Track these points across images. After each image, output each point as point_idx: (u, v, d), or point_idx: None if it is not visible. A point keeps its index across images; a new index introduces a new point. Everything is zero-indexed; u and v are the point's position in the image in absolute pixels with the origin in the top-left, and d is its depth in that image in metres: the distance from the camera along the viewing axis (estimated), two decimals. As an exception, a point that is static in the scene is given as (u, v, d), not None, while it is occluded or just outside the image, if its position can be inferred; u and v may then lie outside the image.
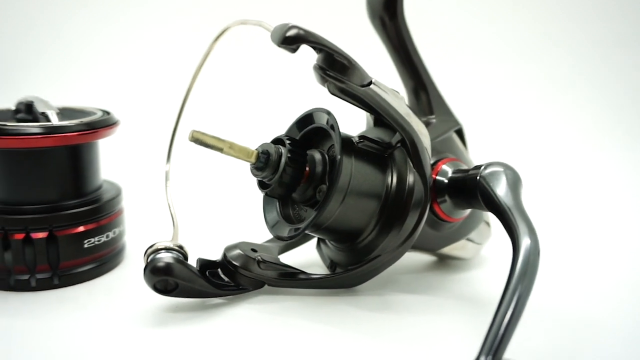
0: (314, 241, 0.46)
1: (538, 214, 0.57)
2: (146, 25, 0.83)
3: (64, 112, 0.46)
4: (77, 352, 0.35)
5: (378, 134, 0.42)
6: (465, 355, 0.31)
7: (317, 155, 0.39)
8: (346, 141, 0.39)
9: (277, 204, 0.42)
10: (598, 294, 0.43)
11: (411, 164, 0.39)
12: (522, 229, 0.34)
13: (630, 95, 0.80)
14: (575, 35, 0.82)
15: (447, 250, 0.44)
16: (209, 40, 0.42)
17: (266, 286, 0.41)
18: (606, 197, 0.66)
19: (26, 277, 0.41)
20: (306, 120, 0.41)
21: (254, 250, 0.41)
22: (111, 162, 0.51)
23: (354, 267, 0.40)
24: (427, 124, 0.46)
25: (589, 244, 0.52)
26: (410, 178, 0.39)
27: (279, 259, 0.42)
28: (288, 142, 0.38)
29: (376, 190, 0.39)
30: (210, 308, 0.39)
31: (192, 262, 0.40)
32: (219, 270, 0.41)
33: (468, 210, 0.42)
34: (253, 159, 0.38)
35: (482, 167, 0.39)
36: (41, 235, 0.41)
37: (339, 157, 0.37)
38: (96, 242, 0.43)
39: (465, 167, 0.42)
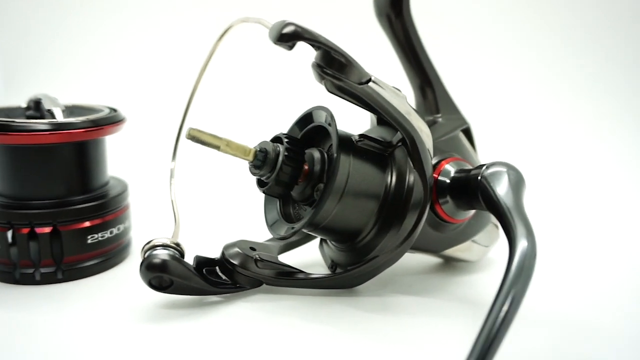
0: (317, 241, 0.46)
1: (547, 213, 0.58)
2: (154, 24, 0.85)
3: (73, 110, 0.47)
4: (71, 346, 0.35)
5: (381, 133, 0.41)
6: (461, 358, 0.30)
7: (316, 154, 0.39)
8: (345, 139, 0.38)
9: (279, 202, 0.42)
10: (599, 298, 0.42)
11: (411, 164, 0.38)
12: (519, 230, 0.33)
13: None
14: (586, 31, 0.80)
15: (451, 252, 0.43)
16: (215, 37, 0.43)
17: (265, 285, 0.41)
18: (613, 197, 0.65)
19: (31, 271, 0.42)
20: (306, 118, 0.41)
21: (253, 249, 0.41)
22: (120, 159, 0.52)
23: (353, 267, 0.39)
24: (433, 123, 0.45)
25: (593, 245, 0.51)
26: (410, 178, 0.38)
27: (277, 258, 0.42)
28: (286, 140, 0.38)
29: (375, 190, 0.38)
30: (207, 306, 0.39)
31: (192, 259, 0.40)
32: (217, 268, 0.41)
33: (472, 212, 0.41)
34: (251, 157, 0.38)
35: (484, 167, 0.38)
36: (45, 230, 0.41)
37: (335, 155, 0.36)
38: (100, 238, 0.44)
39: (469, 167, 0.41)
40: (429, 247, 0.42)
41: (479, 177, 0.38)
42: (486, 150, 0.49)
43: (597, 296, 0.42)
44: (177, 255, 0.38)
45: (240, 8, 0.76)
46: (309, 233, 0.42)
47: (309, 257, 0.46)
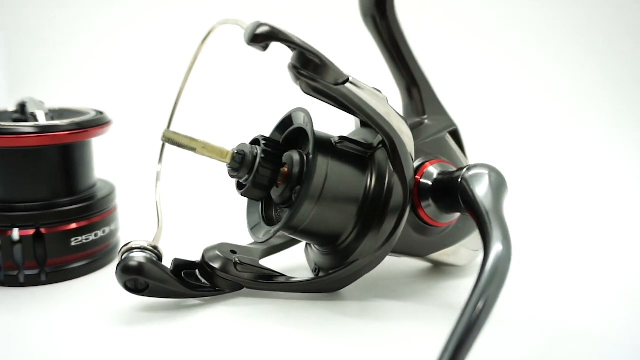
0: (303, 244, 0.45)
1: (537, 214, 0.58)
2: (141, 27, 0.86)
3: (61, 113, 0.47)
4: (49, 348, 0.35)
5: (363, 135, 0.41)
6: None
7: (296, 156, 0.38)
8: (323, 141, 0.38)
9: (261, 206, 0.41)
10: (582, 302, 0.41)
11: (391, 166, 0.38)
12: (495, 234, 0.32)
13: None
14: (582, 28, 0.79)
15: (437, 256, 0.43)
16: (200, 38, 0.42)
17: (246, 289, 0.40)
18: (607, 197, 0.64)
19: (15, 273, 0.42)
20: (286, 121, 0.40)
21: (234, 252, 0.41)
22: (111, 161, 0.52)
23: (333, 271, 0.39)
24: (419, 124, 0.44)
25: (582, 247, 0.51)
26: (391, 180, 0.37)
27: (258, 261, 0.42)
28: (263, 142, 0.38)
29: (354, 192, 0.38)
30: (185, 309, 0.39)
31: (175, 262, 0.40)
32: (197, 271, 0.40)
33: (457, 215, 0.41)
34: (228, 159, 0.37)
35: (466, 169, 0.37)
36: (28, 232, 0.42)
37: (311, 156, 0.36)
38: (84, 240, 0.44)
39: (454, 169, 0.41)
40: (413, 251, 0.41)
41: (460, 179, 0.37)
42: (480, 152, 0.48)
43: (580, 300, 0.41)
44: (154, 258, 0.37)
45: (227, 9, 0.77)
46: (292, 237, 0.41)
47: (295, 260, 0.46)
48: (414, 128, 0.44)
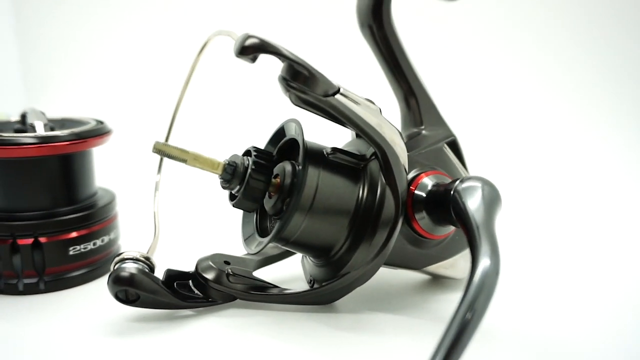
0: (299, 256, 0.45)
1: (538, 218, 0.57)
2: (139, 38, 0.89)
3: (62, 123, 0.48)
4: (38, 356, 0.35)
5: (358, 147, 0.41)
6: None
7: (288, 167, 0.38)
8: (314, 152, 0.38)
9: (255, 217, 0.41)
10: (576, 318, 0.40)
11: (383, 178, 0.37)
12: (484, 249, 0.31)
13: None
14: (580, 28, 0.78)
15: (434, 268, 0.42)
16: (196, 49, 0.43)
17: (240, 300, 0.40)
18: (608, 200, 0.64)
19: (14, 281, 0.43)
20: (280, 132, 0.40)
21: (227, 263, 0.41)
22: (113, 169, 0.53)
23: (327, 283, 0.39)
24: (417, 135, 0.44)
25: (581, 254, 0.50)
26: (382, 192, 0.37)
27: (251, 272, 0.42)
28: (254, 153, 0.38)
29: (346, 204, 0.37)
30: (178, 319, 0.39)
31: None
32: (190, 282, 0.40)
33: (452, 227, 0.40)
34: (219, 171, 0.38)
35: (459, 181, 0.37)
36: (27, 241, 0.42)
37: (299, 167, 0.36)
38: (82, 250, 0.44)
39: (450, 181, 0.40)
40: (409, 263, 0.41)
41: (452, 191, 0.36)
42: (479, 157, 0.48)
43: (573, 315, 0.40)
44: (145, 269, 0.38)
45: (224, 18, 0.78)
46: (286, 248, 0.41)
47: (290, 272, 0.45)
48: (410, 139, 0.43)
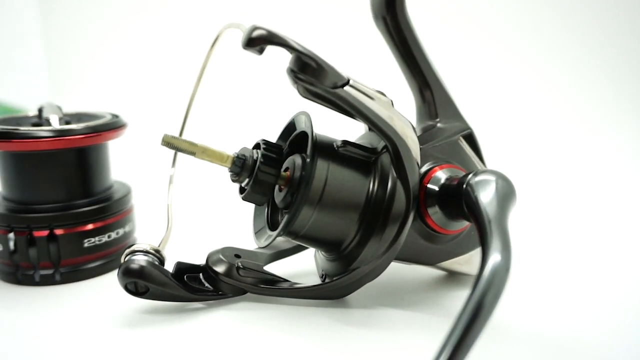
0: (313, 250, 0.44)
1: (547, 217, 0.56)
2: (154, 33, 0.91)
3: (79, 117, 0.48)
4: (51, 347, 0.36)
5: (370, 139, 0.40)
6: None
7: (298, 160, 0.38)
8: (323, 145, 0.37)
9: (267, 210, 0.41)
10: (585, 316, 0.39)
11: (394, 171, 0.36)
12: (495, 244, 0.31)
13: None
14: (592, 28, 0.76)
15: (449, 264, 0.41)
16: (208, 42, 0.43)
17: (250, 294, 0.40)
18: (616, 202, 0.62)
19: (31, 272, 0.43)
20: (290, 125, 0.40)
21: (238, 256, 0.41)
22: (130, 163, 0.53)
23: (337, 277, 0.38)
24: (432, 128, 0.43)
25: (590, 254, 0.49)
26: (393, 185, 0.36)
27: (262, 266, 0.41)
28: (264, 146, 0.38)
29: (356, 198, 0.37)
30: (189, 312, 0.39)
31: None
32: (201, 275, 0.40)
33: (466, 222, 0.39)
34: (228, 164, 0.37)
35: (472, 174, 0.36)
36: (43, 233, 0.43)
37: (308, 160, 0.35)
38: (97, 242, 0.45)
39: (464, 174, 0.39)
40: (422, 259, 0.40)
41: (465, 185, 0.35)
42: (490, 154, 0.47)
43: (583, 313, 0.39)
44: (155, 262, 0.38)
45: (235, 12, 0.78)
46: (297, 242, 0.41)
47: (302, 266, 0.45)
48: (425, 132, 0.43)
